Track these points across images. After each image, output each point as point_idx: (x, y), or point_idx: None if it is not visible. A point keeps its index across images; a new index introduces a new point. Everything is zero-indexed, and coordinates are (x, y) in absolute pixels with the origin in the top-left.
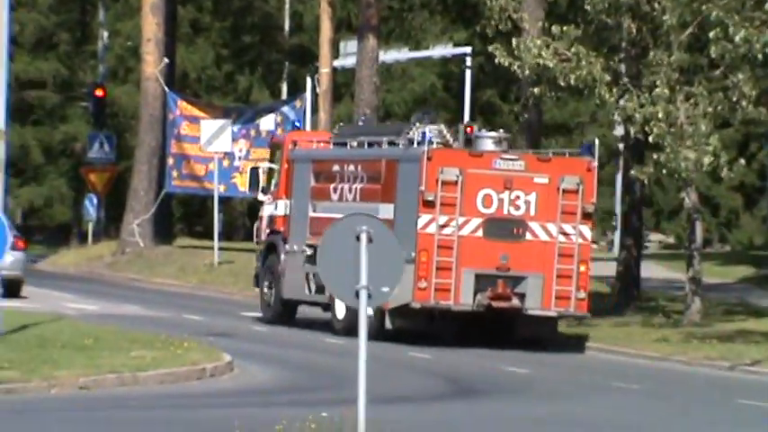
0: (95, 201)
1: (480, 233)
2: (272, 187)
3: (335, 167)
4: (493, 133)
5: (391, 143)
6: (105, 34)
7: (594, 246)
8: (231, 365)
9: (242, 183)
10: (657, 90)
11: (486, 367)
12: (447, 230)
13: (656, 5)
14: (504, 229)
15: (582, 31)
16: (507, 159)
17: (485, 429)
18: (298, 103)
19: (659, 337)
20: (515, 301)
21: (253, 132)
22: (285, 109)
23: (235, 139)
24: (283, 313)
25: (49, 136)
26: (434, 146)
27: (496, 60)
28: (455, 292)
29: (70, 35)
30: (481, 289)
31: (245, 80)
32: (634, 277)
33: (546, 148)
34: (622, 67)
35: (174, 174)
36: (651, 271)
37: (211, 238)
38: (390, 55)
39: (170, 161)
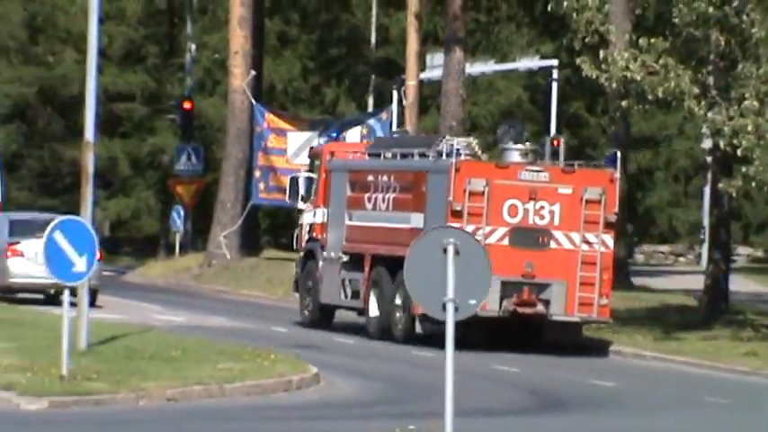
0: (182, 213)
1: (506, 242)
2: (311, 196)
3: (370, 177)
4: (520, 146)
5: (422, 155)
6: (193, 47)
7: (682, 259)
8: (318, 377)
9: None
10: (746, 102)
11: (571, 380)
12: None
13: (745, 18)
14: (529, 237)
15: (670, 43)
16: (532, 171)
17: None
18: (384, 116)
19: (748, 351)
20: (540, 308)
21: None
22: (371, 121)
23: None
24: (321, 318)
25: (136, 148)
26: (462, 158)
27: (583, 73)
28: None
29: (158, 48)
30: (507, 295)
31: (332, 92)
32: (722, 291)
33: (632, 162)
34: (711, 80)
35: (261, 186)
36: (739, 284)
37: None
38: (476, 67)
39: (257, 173)
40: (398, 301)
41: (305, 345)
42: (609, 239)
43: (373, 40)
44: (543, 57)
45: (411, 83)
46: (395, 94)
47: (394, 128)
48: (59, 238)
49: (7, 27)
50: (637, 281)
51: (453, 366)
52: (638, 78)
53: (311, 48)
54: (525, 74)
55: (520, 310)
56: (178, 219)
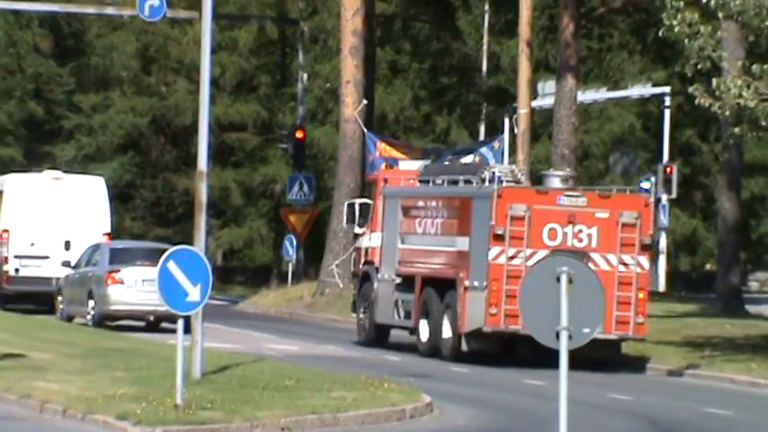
0: (295, 242)
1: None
2: (367, 221)
3: (420, 203)
4: (560, 172)
5: (467, 182)
6: (305, 76)
7: None
8: (431, 406)
9: None
10: None
11: (686, 409)
12: (516, 261)
13: None
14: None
15: None
16: (570, 196)
17: None
18: (496, 145)
19: None
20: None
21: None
22: (483, 150)
23: None
24: (377, 337)
25: (249, 178)
26: (504, 184)
27: (696, 101)
28: None
29: (270, 78)
30: None
31: (443, 121)
32: None
33: (746, 189)
34: None
35: None
36: None
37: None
38: (588, 95)
39: None
40: (446, 320)
41: (418, 374)
42: (644, 261)
43: (484, 68)
44: (655, 84)
45: (523, 111)
46: (506, 122)
47: (505, 156)
48: (173, 267)
49: (120, 58)
50: (751, 308)
51: (567, 395)
52: (752, 106)
53: (422, 76)
54: (637, 101)
55: None
56: (290, 248)
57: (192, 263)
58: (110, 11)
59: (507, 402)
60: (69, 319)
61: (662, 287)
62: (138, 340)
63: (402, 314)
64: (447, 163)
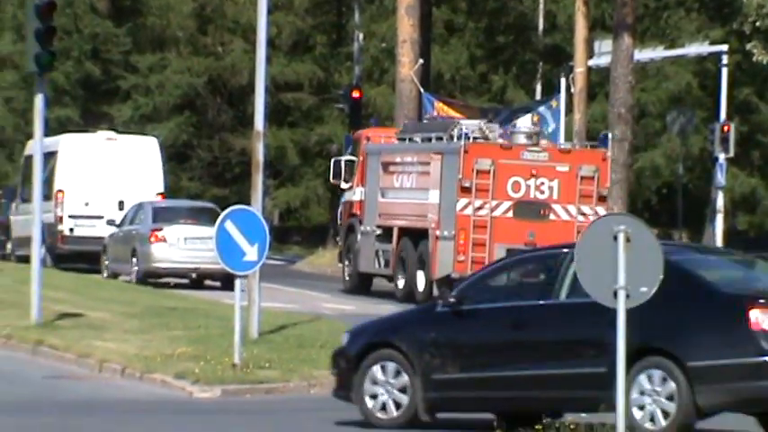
0: None
1: (510, 214)
2: (352, 177)
3: (398, 159)
4: (525, 128)
5: (439, 138)
6: (360, 36)
7: None
8: None
9: None
10: None
11: None
12: (482, 212)
13: None
14: (531, 210)
15: None
16: (533, 151)
17: None
18: (554, 104)
19: None
20: None
21: (509, 131)
22: (541, 109)
23: None
24: (360, 285)
25: (305, 137)
26: (471, 141)
27: (754, 58)
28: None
29: (326, 37)
30: None
31: (500, 80)
32: None
33: None
34: None
35: None
36: None
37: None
38: (645, 53)
39: None
40: (419, 268)
41: None
42: (602, 211)
43: (541, 26)
44: (713, 42)
45: (579, 70)
46: (563, 81)
47: (562, 115)
48: (230, 227)
49: (177, 18)
50: None
51: (623, 355)
52: None
53: (478, 35)
54: (695, 60)
55: None
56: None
57: (249, 223)
58: None
59: None
60: (114, 276)
61: (719, 245)
62: (195, 299)
63: (382, 263)
64: (426, 121)
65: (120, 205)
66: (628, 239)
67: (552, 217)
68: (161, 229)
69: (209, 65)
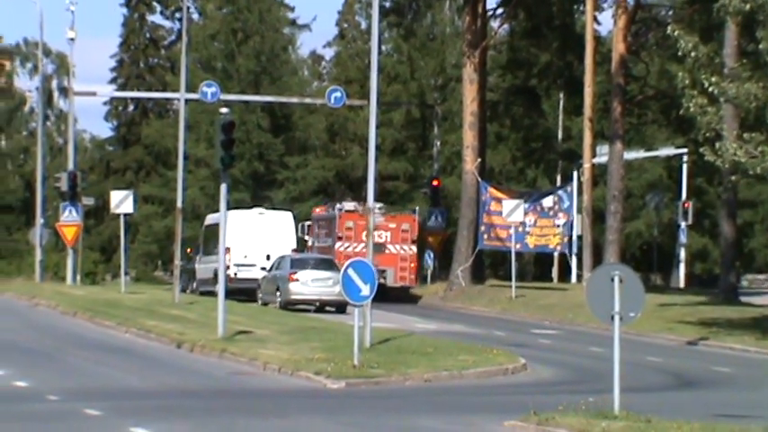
0: (432, 254)
1: (364, 251)
2: (309, 233)
3: (320, 222)
4: (378, 204)
5: (331, 209)
6: (438, 143)
7: None
8: (525, 366)
9: (532, 242)
10: None
11: (699, 368)
12: (349, 249)
13: None
14: (376, 248)
15: (765, 137)
16: (376, 216)
17: (704, 410)
18: (569, 189)
19: None
20: (382, 281)
21: (538, 208)
22: (560, 192)
23: (526, 213)
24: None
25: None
26: (344, 210)
27: (705, 158)
28: None
29: (415, 144)
30: None
31: (532, 173)
32: None
33: (740, 217)
34: None
35: (485, 236)
36: None
37: (511, 279)
38: (631, 154)
39: (482, 228)
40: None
41: (516, 344)
42: (414, 248)
43: (560, 136)
44: (677, 146)
45: (586, 165)
46: (575, 173)
47: (575, 196)
48: (351, 272)
49: (315, 132)
50: (744, 299)
51: (619, 358)
52: (743, 161)
53: (518, 142)
54: (665, 158)
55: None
56: (429, 259)
57: (363, 269)
58: (308, 100)
59: (577, 363)
60: (265, 304)
61: (682, 285)
62: (325, 321)
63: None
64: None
65: (267, 257)
66: (621, 280)
67: (387, 251)
68: (296, 273)
69: (337, 163)
